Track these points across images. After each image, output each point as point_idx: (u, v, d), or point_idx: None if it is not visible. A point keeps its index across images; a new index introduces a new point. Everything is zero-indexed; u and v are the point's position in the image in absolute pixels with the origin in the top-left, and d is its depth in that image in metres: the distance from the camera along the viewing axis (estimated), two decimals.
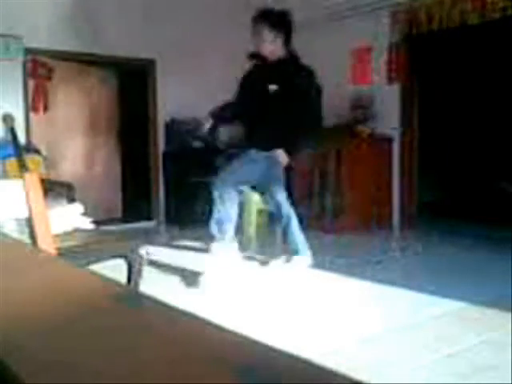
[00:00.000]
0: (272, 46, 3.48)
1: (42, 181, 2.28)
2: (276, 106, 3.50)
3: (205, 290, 3.35)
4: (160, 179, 6.33)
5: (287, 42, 3.52)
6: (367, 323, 2.75)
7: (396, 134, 5.62)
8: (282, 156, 3.54)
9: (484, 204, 6.25)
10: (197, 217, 5.66)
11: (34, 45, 5.32)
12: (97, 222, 3.19)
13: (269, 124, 3.54)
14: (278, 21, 3.48)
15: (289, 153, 3.57)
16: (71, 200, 3.75)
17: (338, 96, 5.91)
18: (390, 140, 5.64)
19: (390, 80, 5.58)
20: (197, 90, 6.05)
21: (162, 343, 0.46)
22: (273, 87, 3.47)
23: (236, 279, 3.66)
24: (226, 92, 4.02)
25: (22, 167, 2.31)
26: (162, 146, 6.31)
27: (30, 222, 2.16)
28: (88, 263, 2.43)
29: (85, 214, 2.96)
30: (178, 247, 4.79)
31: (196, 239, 4.93)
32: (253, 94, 3.62)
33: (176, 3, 6.14)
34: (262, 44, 3.49)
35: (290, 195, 3.88)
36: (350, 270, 3.78)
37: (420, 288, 3.29)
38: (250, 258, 4.11)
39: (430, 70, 6.23)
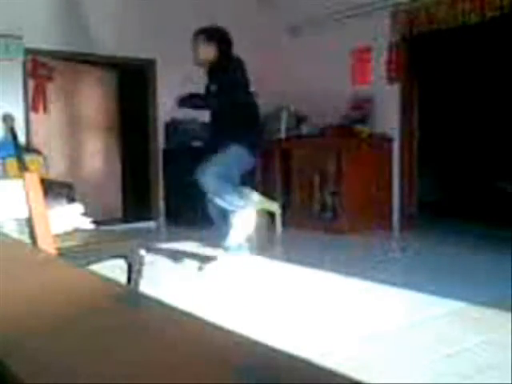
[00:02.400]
0: (207, 53, 3.98)
1: (42, 181, 2.28)
2: (214, 103, 4.00)
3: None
4: (160, 179, 6.33)
5: (221, 50, 3.99)
6: (367, 323, 2.75)
7: (396, 134, 5.62)
8: None
9: (484, 204, 6.25)
10: (197, 217, 5.66)
11: (33, 45, 5.32)
12: (97, 222, 3.19)
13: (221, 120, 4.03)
14: (212, 34, 4.01)
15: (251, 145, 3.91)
16: (71, 200, 3.75)
17: (338, 96, 5.92)
18: (389, 140, 5.64)
19: (390, 80, 5.58)
20: (197, 90, 6.04)
21: (161, 343, 0.46)
22: (213, 87, 3.97)
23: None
24: None
25: (22, 167, 2.31)
26: (162, 145, 6.31)
27: (30, 222, 2.16)
28: (88, 263, 2.43)
29: (85, 214, 2.96)
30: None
31: (193, 238, 4.93)
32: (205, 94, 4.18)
33: (176, 2, 6.14)
34: (199, 52, 4.03)
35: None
36: (350, 270, 3.78)
37: (420, 288, 3.28)
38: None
39: (429, 69, 6.23)
